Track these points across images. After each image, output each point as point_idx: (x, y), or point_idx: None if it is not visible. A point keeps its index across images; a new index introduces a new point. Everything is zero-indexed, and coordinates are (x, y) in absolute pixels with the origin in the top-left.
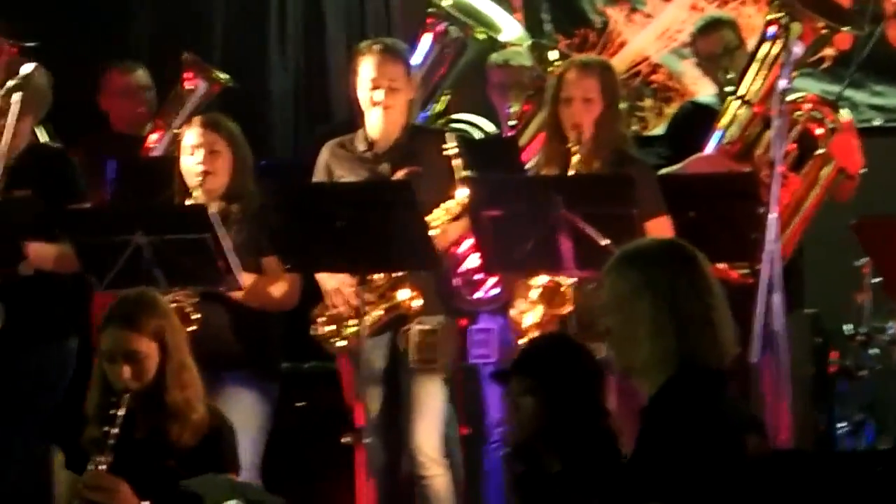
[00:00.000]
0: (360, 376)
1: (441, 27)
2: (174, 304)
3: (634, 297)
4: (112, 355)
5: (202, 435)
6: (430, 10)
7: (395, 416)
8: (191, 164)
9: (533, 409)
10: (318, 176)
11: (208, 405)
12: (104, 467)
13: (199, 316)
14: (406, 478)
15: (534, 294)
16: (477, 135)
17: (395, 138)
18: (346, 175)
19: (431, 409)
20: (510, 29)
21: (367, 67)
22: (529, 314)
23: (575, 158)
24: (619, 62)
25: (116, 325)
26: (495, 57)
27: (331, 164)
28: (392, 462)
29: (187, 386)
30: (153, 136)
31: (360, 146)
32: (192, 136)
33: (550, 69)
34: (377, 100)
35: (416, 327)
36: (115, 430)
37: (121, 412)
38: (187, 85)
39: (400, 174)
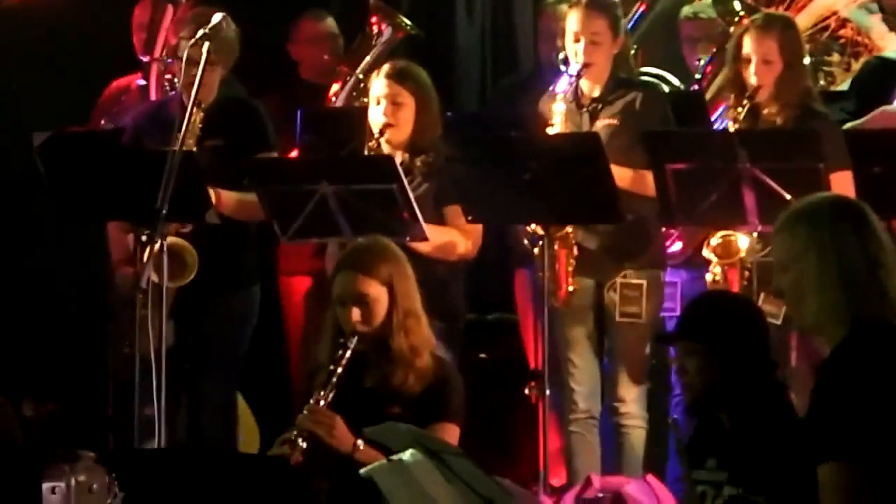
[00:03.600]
0: (546, 329)
1: None
2: None
3: (802, 254)
4: (342, 299)
5: (427, 382)
6: None
7: (594, 366)
8: (375, 114)
9: (698, 370)
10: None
11: (435, 355)
12: (324, 403)
13: None
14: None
15: (712, 243)
16: (663, 88)
17: (601, 90)
18: (555, 125)
19: (635, 361)
20: None
21: (572, 20)
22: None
23: (758, 114)
24: (807, 17)
25: (347, 269)
26: (686, 10)
27: (544, 113)
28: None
29: (413, 332)
30: (335, 87)
31: (565, 99)
32: (378, 86)
33: (736, 23)
34: (579, 54)
35: (620, 281)
36: (339, 370)
37: (347, 353)
38: (373, 31)
39: (598, 126)
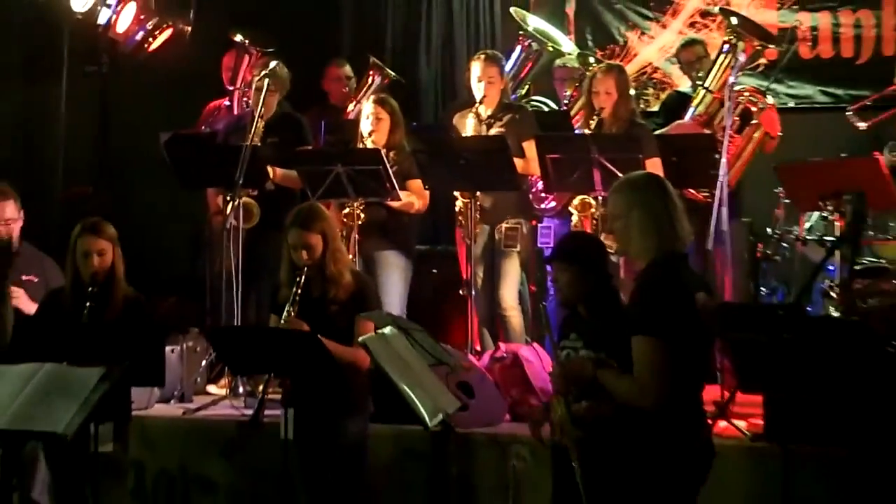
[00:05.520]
0: (471, 255)
1: (527, 42)
2: (349, 209)
3: (630, 210)
4: (295, 246)
5: (351, 292)
6: (521, 32)
7: (491, 279)
8: (365, 125)
9: (566, 280)
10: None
11: (353, 271)
12: (294, 314)
13: (364, 215)
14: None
15: (574, 202)
16: (546, 109)
17: (492, 111)
18: (467, 132)
19: (511, 274)
20: (567, 45)
21: (475, 68)
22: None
23: (603, 125)
24: (633, 66)
25: (297, 226)
26: (558, 61)
27: (457, 125)
28: (489, 306)
29: (339, 262)
30: (350, 107)
31: (473, 115)
32: (367, 107)
33: (590, 69)
34: (480, 89)
35: (504, 225)
36: (298, 291)
37: (301, 280)
38: (370, 78)
39: (493, 132)
